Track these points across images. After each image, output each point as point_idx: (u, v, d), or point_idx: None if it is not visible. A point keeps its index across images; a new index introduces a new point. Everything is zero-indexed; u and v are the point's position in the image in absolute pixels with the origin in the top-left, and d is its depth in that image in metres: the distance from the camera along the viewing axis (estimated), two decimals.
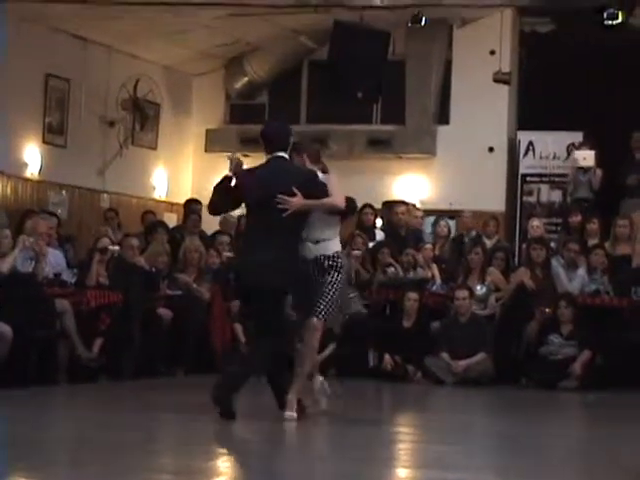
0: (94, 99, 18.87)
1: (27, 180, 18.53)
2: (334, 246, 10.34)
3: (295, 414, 10.54)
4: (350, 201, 10.62)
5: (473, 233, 18.13)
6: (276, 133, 10.53)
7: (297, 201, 9.78)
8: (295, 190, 9.83)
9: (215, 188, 10.62)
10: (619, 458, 10.12)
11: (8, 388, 12.78)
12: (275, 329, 10.60)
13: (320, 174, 10.21)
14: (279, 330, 10.68)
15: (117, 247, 15.85)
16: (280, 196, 9.72)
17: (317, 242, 10.11)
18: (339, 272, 10.35)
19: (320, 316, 10.43)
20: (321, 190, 10.03)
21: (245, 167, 10.84)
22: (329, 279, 10.26)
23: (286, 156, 10.25)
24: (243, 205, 10.88)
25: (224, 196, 10.55)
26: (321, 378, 11.07)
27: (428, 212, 19.22)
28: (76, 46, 18.27)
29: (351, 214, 11.13)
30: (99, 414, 11.83)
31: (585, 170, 18.88)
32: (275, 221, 9.92)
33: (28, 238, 14.00)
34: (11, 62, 17.32)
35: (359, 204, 18.67)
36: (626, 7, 17.41)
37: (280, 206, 9.76)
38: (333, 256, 10.28)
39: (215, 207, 10.89)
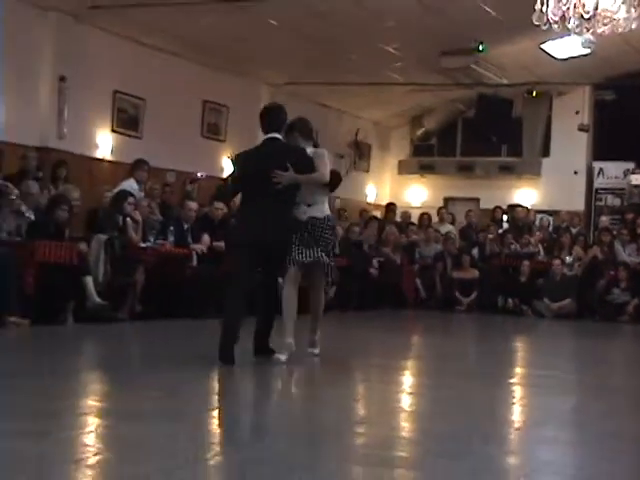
0: (331, 142, 19.09)
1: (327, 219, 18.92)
2: (325, 210, 7.97)
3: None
4: (335, 175, 8.21)
5: (565, 224, 18.08)
6: (272, 117, 8.05)
7: (288, 175, 7.64)
8: (288, 166, 7.68)
9: (217, 190, 8.45)
10: None
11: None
12: (275, 279, 8.29)
13: (309, 149, 7.98)
14: (275, 280, 8.34)
15: (341, 231, 16.16)
16: (276, 171, 7.62)
17: (309, 205, 7.83)
18: (331, 231, 8.02)
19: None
20: (308, 164, 7.80)
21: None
22: (324, 237, 7.87)
23: (279, 136, 7.93)
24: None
25: (226, 191, 8.22)
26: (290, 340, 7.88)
27: (536, 211, 19.25)
28: (320, 110, 18.52)
29: (337, 186, 8.32)
30: (332, 330, 12.02)
31: (637, 186, 18.72)
32: (270, 192, 7.69)
33: None
34: None
35: (491, 204, 18.89)
36: None
37: (275, 179, 7.63)
38: (324, 218, 7.90)
39: (218, 197, 8.58)
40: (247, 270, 7.78)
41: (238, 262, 7.90)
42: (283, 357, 7.66)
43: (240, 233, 8.13)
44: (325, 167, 7.86)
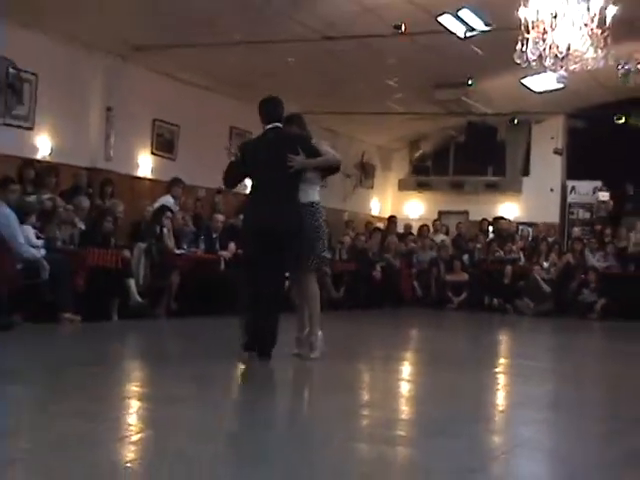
0: (343, 163, 19.15)
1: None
2: (312, 196, 7.19)
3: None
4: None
5: (543, 234, 18.08)
6: (272, 107, 7.17)
7: (300, 159, 6.92)
8: (299, 150, 6.93)
9: (225, 172, 7.31)
10: (621, 349, 10.16)
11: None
12: (282, 274, 7.35)
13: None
14: (282, 276, 7.41)
15: (349, 239, 16.18)
16: (290, 155, 6.88)
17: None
18: (314, 218, 7.14)
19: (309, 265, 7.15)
20: (314, 149, 7.08)
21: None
22: (307, 224, 7.06)
23: (280, 125, 7.12)
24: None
25: (232, 175, 7.27)
26: (320, 332, 7.26)
27: (518, 223, 19.21)
28: (331, 135, 18.15)
29: (336, 172, 7.53)
30: (341, 326, 12.10)
31: (604, 202, 18.70)
32: (280, 178, 6.92)
33: None
34: None
35: (479, 217, 18.86)
36: (627, 113, 17.20)
37: (289, 164, 6.87)
38: (310, 204, 7.11)
39: (227, 183, 7.48)
40: (263, 265, 6.89)
41: (252, 258, 7.04)
42: (323, 349, 7.20)
43: (252, 221, 7.14)
44: (332, 151, 7.32)
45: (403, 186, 21.35)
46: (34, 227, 9.83)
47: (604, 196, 18.75)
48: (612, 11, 9.82)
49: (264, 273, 6.94)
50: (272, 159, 6.96)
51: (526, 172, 20.14)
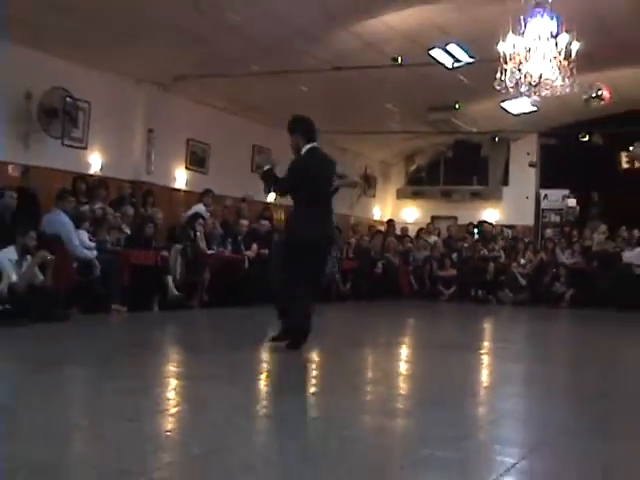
0: (349, 175, 19.06)
1: None
2: None
3: None
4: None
5: (520, 235, 18.04)
6: (311, 127, 6.76)
7: (337, 180, 6.66)
8: (336, 172, 6.70)
9: (265, 178, 6.74)
10: (586, 333, 10.13)
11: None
12: (322, 276, 7.03)
13: None
14: (322, 277, 7.13)
15: (354, 240, 16.14)
16: (335, 176, 6.65)
17: None
18: None
19: None
20: (341, 172, 6.93)
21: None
22: None
23: (318, 145, 6.70)
24: None
25: (284, 184, 6.65)
26: None
27: (499, 226, 19.08)
28: (339, 152, 18.16)
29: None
30: (347, 316, 12.08)
31: (571, 207, 18.67)
32: (323, 195, 6.53)
33: None
34: None
35: (466, 221, 18.82)
36: (590, 132, 17.17)
37: (334, 182, 6.62)
38: None
39: (282, 190, 6.79)
40: (308, 269, 6.46)
41: (298, 264, 6.43)
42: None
43: (304, 234, 6.48)
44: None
45: (400, 195, 21.29)
46: (88, 232, 9.91)
47: (572, 202, 18.71)
48: (576, 46, 9.91)
49: (308, 276, 6.51)
50: (321, 177, 6.59)
51: (506, 182, 20.08)
